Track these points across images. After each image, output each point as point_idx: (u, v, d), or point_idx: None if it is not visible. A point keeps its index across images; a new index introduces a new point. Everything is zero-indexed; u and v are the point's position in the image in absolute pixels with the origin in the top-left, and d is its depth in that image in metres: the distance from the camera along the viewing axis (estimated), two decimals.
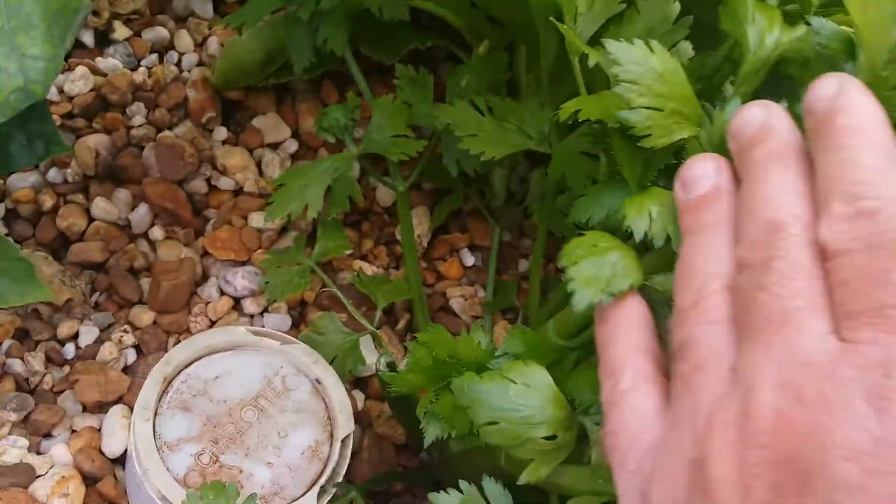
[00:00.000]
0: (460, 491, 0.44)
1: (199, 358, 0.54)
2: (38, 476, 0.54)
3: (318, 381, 0.54)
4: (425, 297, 0.64)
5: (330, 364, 0.57)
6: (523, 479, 0.43)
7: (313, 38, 0.59)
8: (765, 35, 0.38)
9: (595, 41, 0.47)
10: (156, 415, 0.51)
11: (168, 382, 0.53)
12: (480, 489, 0.45)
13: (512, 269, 0.68)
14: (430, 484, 0.61)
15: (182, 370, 0.53)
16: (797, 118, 0.38)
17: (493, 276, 0.66)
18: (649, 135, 0.37)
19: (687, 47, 0.46)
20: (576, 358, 0.45)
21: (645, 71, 0.37)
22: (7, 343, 0.59)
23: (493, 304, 0.65)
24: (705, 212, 0.35)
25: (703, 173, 0.36)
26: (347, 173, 0.57)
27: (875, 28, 0.34)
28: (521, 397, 0.40)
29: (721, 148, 0.37)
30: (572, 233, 0.62)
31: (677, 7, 0.46)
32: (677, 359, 0.34)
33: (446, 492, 0.44)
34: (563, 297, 0.55)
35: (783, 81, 0.39)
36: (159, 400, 0.52)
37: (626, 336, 0.37)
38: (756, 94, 0.39)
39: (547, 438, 0.41)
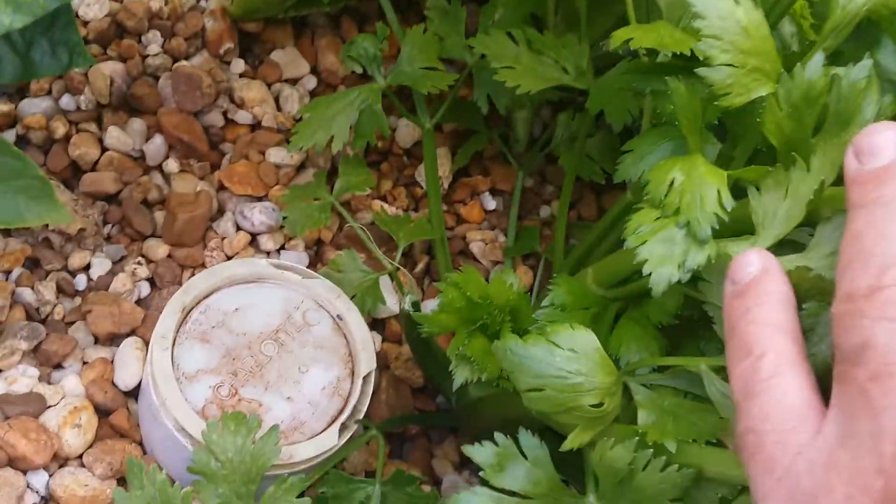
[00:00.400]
0: (495, 443, 0.43)
1: (219, 289, 0.52)
2: (50, 406, 0.53)
3: (339, 317, 0.53)
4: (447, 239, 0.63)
5: None
6: (567, 445, 0.41)
7: None
8: None
9: None
10: (174, 345, 0.50)
11: (187, 312, 0.51)
12: (515, 440, 0.43)
13: (533, 215, 0.67)
14: (447, 429, 0.60)
15: (201, 301, 0.52)
16: (881, 69, 0.36)
17: (515, 220, 0.65)
18: (728, 93, 0.36)
19: None
20: (617, 309, 0.44)
21: (729, 25, 0.35)
22: (17, 271, 0.57)
23: (513, 250, 0.64)
24: (885, 185, 0.31)
25: (883, 143, 0.32)
26: (375, 105, 0.55)
27: None
28: (567, 363, 0.38)
29: (801, 106, 0.35)
30: (600, 177, 0.62)
31: None
32: (850, 360, 0.29)
33: (481, 444, 0.43)
34: (592, 244, 0.54)
35: (866, 30, 0.37)
36: (177, 330, 0.50)
37: (766, 313, 0.33)
38: (837, 57, 0.37)
39: (594, 406, 0.39)
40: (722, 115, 0.40)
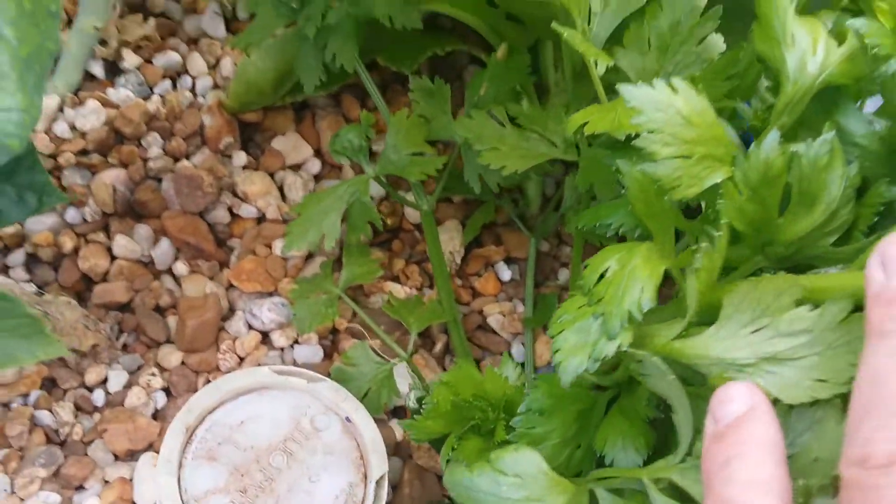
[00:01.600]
0: None
1: (223, 403, 0.51)
2: None
3: (347, 419, 0.52)
4: (461, 317, 0.61)
5: (364, 397, 0.55)
6: None
7: (322, 55, 0.55)
8: (806, 59, 0.34)
9: (617, 40, 0.43)
10: (180, 467, 0.49)
11: (191, 432, 0.50)
12: None
13: (551, 280, 0.65)
14: None
15: (205, 417, 0.51)
16: (844, 133, 0.34)
17: (532, 289, 0.62)
18: (678, 185, 0.33)
19: (718, 41, 0.42)
20: (609, 398, 0.41)
21: (669, 116, 0.33)
22: (35, 394, 0.57)
23: (533, 320, 0.62)
24: None
25: None
26: (364, 198, 0.54)
27: None
28: (514, 491, 0.36)
29: (760, 188, 0.33)
30: (611, 241, 0.59)
31: None
32: None
33: None
34: None
35: (827, 92, 0.35)
36: (183, 451, 0.50)
37: (749, 469, 0.28)
38: (799, 124, 0.35)
39: None
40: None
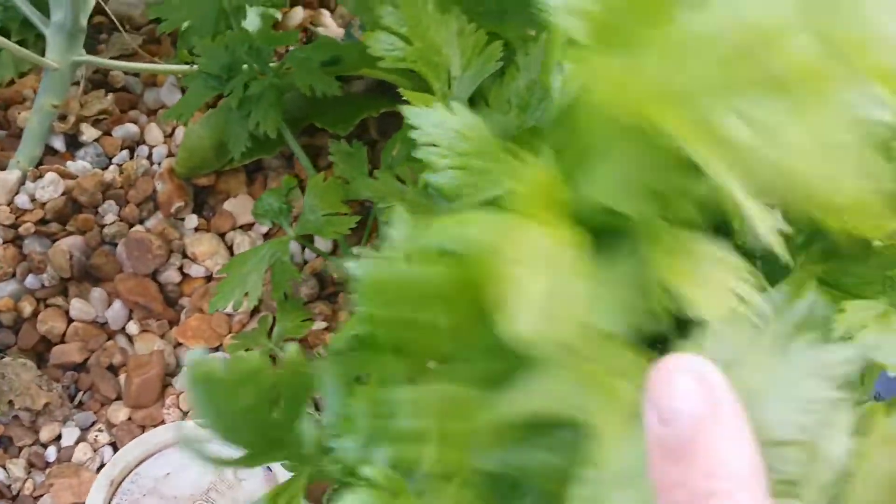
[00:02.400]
0: None
1: (149, 456, 0.54)
2: None
3: (269, 468, 0.54)
4: None
5: None
6: None
7: (247, 123, 0.59)
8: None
9: (480, 99, 0.46)
10: None
11: (116, 485, 0.53)
12: None
13: None
14: None
15: (132, 470, 0.53)
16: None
17: None
18: (460, 194, 0.36)
19: None
20: None
21: (444, 132, 0.35)
22: None
23: None
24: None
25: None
26: (284, 257, 0.57)
27: None
28: None
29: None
30: None
31: None
32: None
33: None
34: None
35: None
36: (109, 502, 0.52)
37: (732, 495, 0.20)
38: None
39: None
40: None
